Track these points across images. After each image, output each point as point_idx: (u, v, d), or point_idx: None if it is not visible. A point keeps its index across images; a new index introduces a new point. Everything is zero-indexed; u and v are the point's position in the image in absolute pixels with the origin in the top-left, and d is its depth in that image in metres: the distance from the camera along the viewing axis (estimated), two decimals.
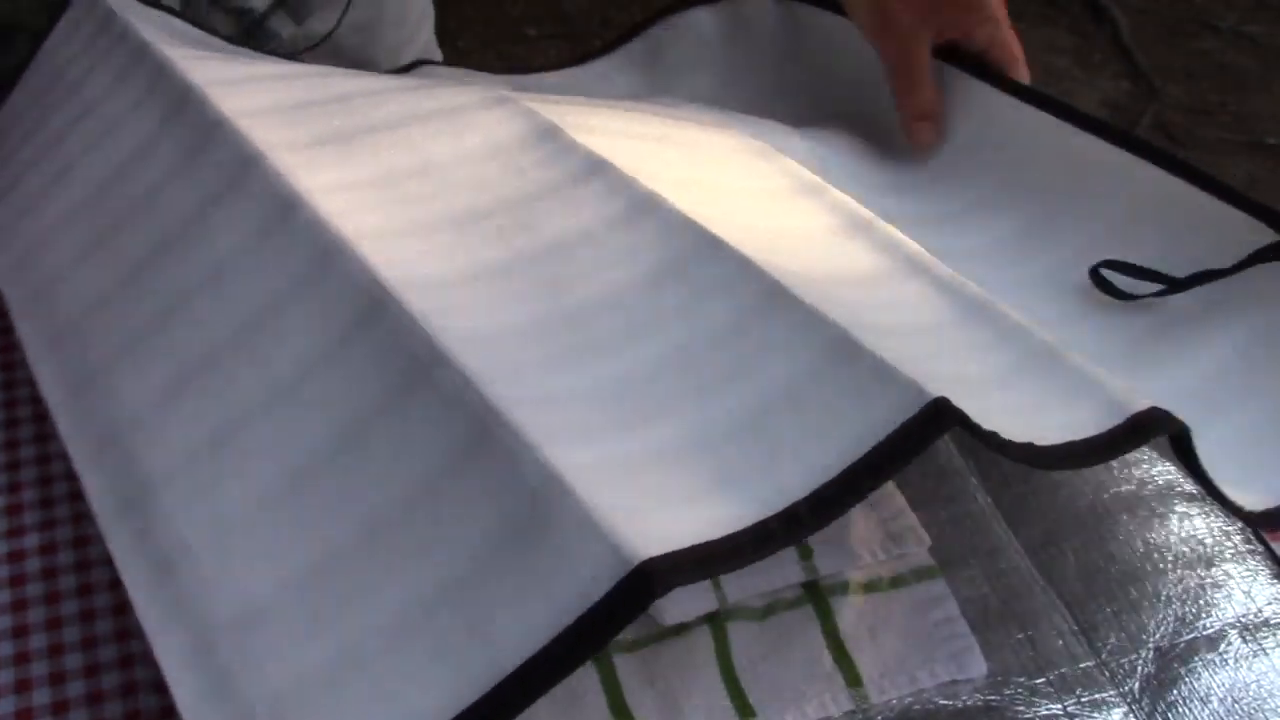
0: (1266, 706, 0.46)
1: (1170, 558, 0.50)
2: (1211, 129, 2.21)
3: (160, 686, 0.48)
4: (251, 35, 0.81)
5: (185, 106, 0.54)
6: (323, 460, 0.41)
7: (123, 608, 0.50)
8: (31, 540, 0.52)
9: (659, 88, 0.75)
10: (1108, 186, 0.60)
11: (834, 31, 0.73)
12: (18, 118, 0.64)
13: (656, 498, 0.37)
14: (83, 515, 0.53)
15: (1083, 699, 0.46)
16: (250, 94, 0.55)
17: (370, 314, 0.43)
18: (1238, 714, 0.46)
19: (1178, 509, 0.52)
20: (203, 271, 0.48)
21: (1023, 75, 0.68)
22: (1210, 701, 0.46)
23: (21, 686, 0.47)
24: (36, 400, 0.58)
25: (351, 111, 0.55)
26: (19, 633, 0.49)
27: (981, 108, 0.66)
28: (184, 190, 0.51)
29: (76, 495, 0.54)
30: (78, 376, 0.49)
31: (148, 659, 0.49)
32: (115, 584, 0.51)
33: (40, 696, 0.47)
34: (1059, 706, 0.46)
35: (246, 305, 0.46)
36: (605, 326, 0.45)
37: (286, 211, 0.47)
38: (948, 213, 0.63)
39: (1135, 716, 0.45)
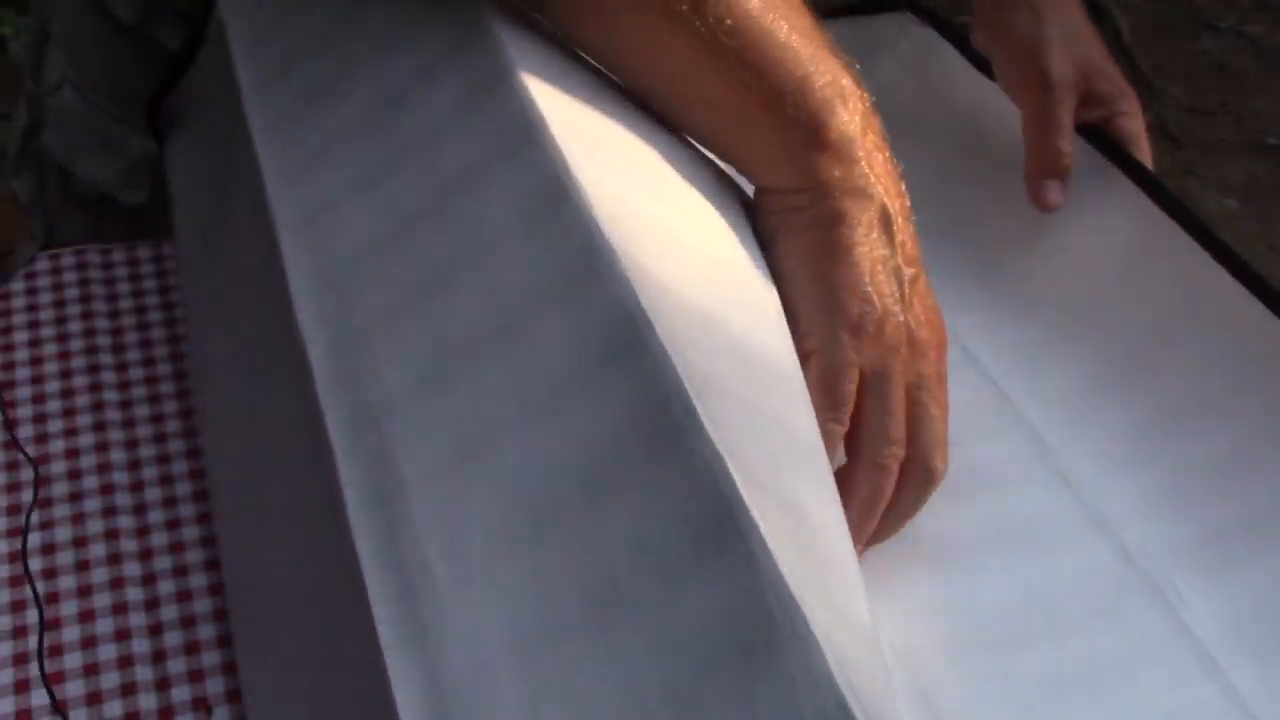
0: None
1: None
2: (1211, 129, 2.21)
3: (160, 686, 0.48)
4: None
5: (474, 44, 0.50)
6: (566, 502, 0.39)
7: (122, 607, 0.50)
8: (32, 540, 0.52)
9: None
10: (1216, 321, 0.58)
11: (962, 85, 0.69)
12: None
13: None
14: (82, 515, 0.53)
15: None
16: (553, 61, 0.51)
17: (629, 343, 0.40)
18: None
19: None
20: (473, 244, 0.46)
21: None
22: None
23: (21, 687, 0.47)
24: (37, 400, 0.58)
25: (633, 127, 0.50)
26: (18, 633, 0.49)
27: (1113, 201, 0.63)
28: (463, 140, 0.48)
29: (76, 495, 0.54)
30: (340, 334, 0.46)
31: (148, 659, 0.49)
32: (115, 584, 0.51)
33: (40, 696, 0.47)
34: None
35: (509, 297, 0.44)
36: None
37: (558, 197, 0.44)
38: (1039, 332, 0.60)
39: None
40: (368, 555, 0.40)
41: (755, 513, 0.36)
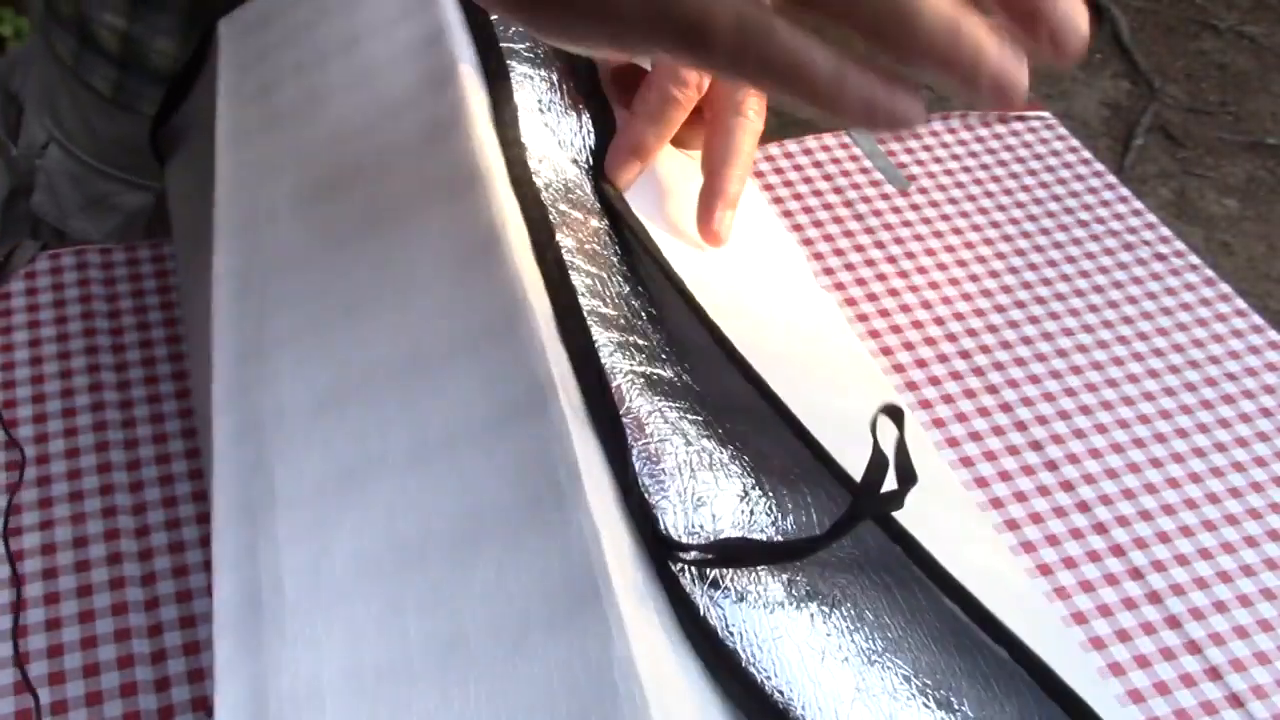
0: None
1: None
2: (1211, 129, 2.21)
3: (160, 686, 0.48)
4: None
5: (444, 78, 0.50)
6: (434, 546, 0.39)
7: (122, 608, 0.50)
8: (32, 540, 0.52)
9: None
10: None
11: None
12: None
13: None
14: (81, 516, 0.53)
15: None
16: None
17: (532, 407, 0.40)
18: None
19: None
20: (401, 276, 0.45)
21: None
22: None
23: (20, 687, 0.47)
24: (36, 400, 0.58)
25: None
26: (19, 633, 0.49)
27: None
28: (415, 175, 0.48)
29: (75, 495, 0.54)
30: (249, 342, 0.46)
31: (148, 659, 0.49)
32: (115, 584, 0.51)
33: (40, 696, 0.47)
34: None
35: (426, 335, 0.43)
36: None
37: (494, 246, 0.44)
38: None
39: None
40: (222, 563, 0.40)
41: (621, 593, 0.35)
